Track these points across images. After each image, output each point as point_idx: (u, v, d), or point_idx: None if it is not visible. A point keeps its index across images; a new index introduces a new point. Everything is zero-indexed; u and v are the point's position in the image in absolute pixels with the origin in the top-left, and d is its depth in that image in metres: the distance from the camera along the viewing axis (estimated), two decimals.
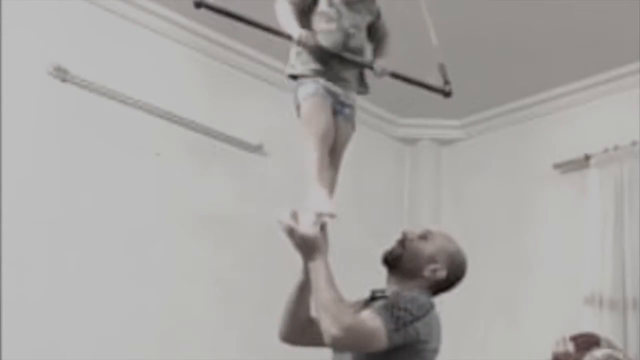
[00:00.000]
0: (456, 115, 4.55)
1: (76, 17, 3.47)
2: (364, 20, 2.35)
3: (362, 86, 2.40)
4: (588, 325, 3.44)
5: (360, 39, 2.33)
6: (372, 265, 4.38)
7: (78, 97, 3.40)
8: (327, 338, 2.07)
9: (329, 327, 2.07)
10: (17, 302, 3.09)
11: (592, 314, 3.58)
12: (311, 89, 2.25)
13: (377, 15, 2.39)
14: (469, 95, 4.30)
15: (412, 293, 2.24)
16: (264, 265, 3.90)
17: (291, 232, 2.24)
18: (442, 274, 2.30)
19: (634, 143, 3.73)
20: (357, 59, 2.30)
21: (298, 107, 2.29)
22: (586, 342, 2.78)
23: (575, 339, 2.81)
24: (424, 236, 2.36)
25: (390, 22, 2.49)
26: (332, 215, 2.25)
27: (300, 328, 2.39)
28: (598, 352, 2.67)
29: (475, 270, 4.29)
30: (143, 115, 3.58)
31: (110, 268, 3.39)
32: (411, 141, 4.71)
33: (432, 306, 2.21)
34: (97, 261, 3.36)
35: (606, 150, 3.81)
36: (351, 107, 2.33)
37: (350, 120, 2.33)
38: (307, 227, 2.22)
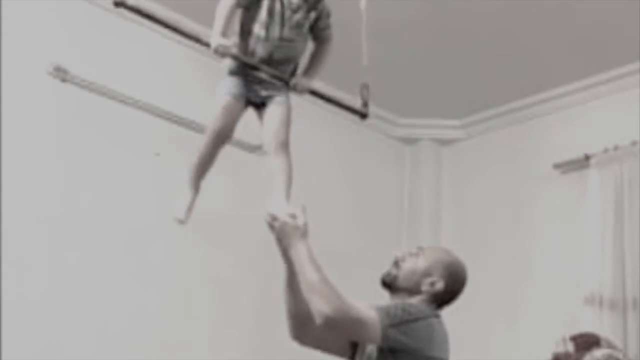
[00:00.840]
0: (456, 115, 4.55)
1: (76, 17, 3.48)
2: (303, 28, 2.39)
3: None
4: (588, 325, 3.44)
5: (290, 50, 2.39)
6: (372, 265, 4.38)
7: (78, 97, 3.40)
8: (318, 318, 2.10)
9: (320, 307, 2.13)
10: (17, 302, 3.09)
11: (592, 314, 3.58)
12: (228, 88, 2.40)
13: (321, 16, 2.42)
14: (469, 95, 4.32)
15: (412, 302, 2.26)
16: (263, 265, 3.89)
17: (273, 221, 2.38)
18: (440, 285, 2.32)
19: (634, 143, 3.73)
20: (272, 71, 2.37)
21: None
22: (586, 342, 2.78)
23: (575, 339, 2.81)
24: (416, 253, 2.39)
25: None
26: (181, 222, 2.51)
27: (304, 325, 2.41)
28: (598, 352, 2.67)
29: (475, 270, 4.29)
30: (143, 115, 3.58)
31: (110, 268, 3.39)
32: (411, 141, 4.71)
33: (434, 315, 2.24)
34: (97, 261, 3.36)
35: (606, 150, 3.81)
36: (282, 94, 2.42)
37: (285, 102, 2.43)
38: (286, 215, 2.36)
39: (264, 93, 2.42)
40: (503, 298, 4.16)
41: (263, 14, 2.34)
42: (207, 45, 2.34)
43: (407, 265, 2.37)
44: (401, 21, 3.65)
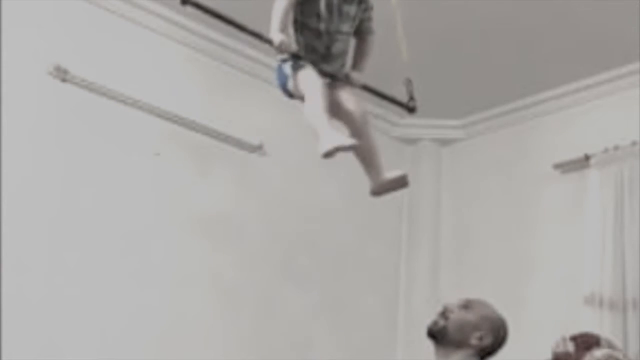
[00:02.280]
0: (456, 115, 4.56)
1: (76, 17, 3.48)
2: (355, 20, 2.43)
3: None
4: (588, 325, 3.44)
5: (344, 44, 2.43)
6: (372, 265, 4.40)
7: (78, 97, 3.40)
8: None
9: None
10: (17, 302, 3.09)
11: (592, 314, 3.58)
12: (295, 65, 2.37)
13: (367, 8, 2.47)
14: (469, 95, 4.32)
15: None
16: (263, 265, 3.90)
17: None
18: (488, 340, 2.34)
19: (634, 143, 3.73)
20: (332, 69, 2.40)
21: (284, 82, 2.41)
22: (586, 342, 2.78)
23: (575, 339, 2.80)
24: (465, 305, 2.40)
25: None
26: (352, 147, 2.28)
27: None
28: (598, 352, 2.67)
29: (475, 270, 4.32)
30: (143, 115, 3.58)
31: (110, 268, 3.39)
32: (411, 141, 4.71)
33: None
34: (97, 261, 3.36)
35: (606, 150, 3.81)
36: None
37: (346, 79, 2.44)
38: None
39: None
40: (503, 298, 4.14)
41: (321, 7, 2.36)
42: (269, 42, 2.31)
43: (456, 318, 2.36)
44: (401, 21, 3.65)
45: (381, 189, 2.46)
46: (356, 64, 2.51)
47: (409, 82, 2.54)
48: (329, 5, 2.36)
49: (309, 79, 2.34)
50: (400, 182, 2.44)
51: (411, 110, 2.56)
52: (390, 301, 4.42)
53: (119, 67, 3.57)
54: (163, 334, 3.49)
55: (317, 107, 2.28)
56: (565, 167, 4.02)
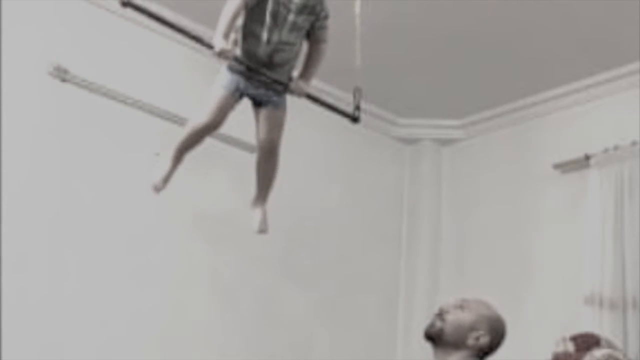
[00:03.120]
0: (456, 115, 4.55)
1: (76, 17, 3.48)
2: (302, 31, 2.42)
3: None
4: (588, 325, 3.44)
5: (289, 53, 2.43)
6: (372, 265, 4.40)
7: (78, 97, 3.41)
8: None
9: None
10: (17, 302, 3.10)
11: (592, 314, 3.58)
12: (225, 82, 2.46)
13: (319, 18, 2.44)
14: (469, 95, 4.32)
15: None
16: (263, 265, 3.90)
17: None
18: (485, 340, 2.34)
19: (634, 143, 3.73)
20: (273, 76, 2.41)
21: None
22: (586, 342, 2.78)
23: (575, 339, 2.81)
24: (461, 306, 2.39)
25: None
26: (157, 190, 2.59)
27: None
28: (598, 352, 2.67)
29: (475, 270, 4.32)
30: (143, 115, 3.58)
31: (110, 268, 3.39)
32: (411, 141, 4.71)
33: None
34: (97, 261, 3.36)
35: (606, 150, 3.81)
36: (279, 95, 2.48)
37: (281, 106, 2.50)
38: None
39: (261, 92, 2.47)
40: (503, 298, 4.14)
41: (266, 17, 2.35)
42: (209, 47, 2.35)
43: (453, 318, 2.36)
44: (401, 21, 3.65)
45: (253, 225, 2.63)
46: (305, 72, 2.50)
47: (358, 91, 2.52)
48: (274, 15, 2.35)
49: (206, 106, 2.48)
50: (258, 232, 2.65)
51: (355, 120, 2.57)
52: (390, 301, 4.42)
53: (119, 67, 3.57)
54: (163, 334, 3.49)
55: (177, 143, 2.53)
56: (565, 167, 4.02)
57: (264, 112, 2.50)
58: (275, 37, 2.37)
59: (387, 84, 4.18)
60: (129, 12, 3.60)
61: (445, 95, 4.33)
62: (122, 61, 3.59)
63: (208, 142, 3.79)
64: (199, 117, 2.49)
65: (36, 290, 3.18)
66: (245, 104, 3.99)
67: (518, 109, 4.33)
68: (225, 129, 3.80)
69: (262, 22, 2.36)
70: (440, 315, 2.39)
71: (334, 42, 2.51)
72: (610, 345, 2.82)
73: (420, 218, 4.59)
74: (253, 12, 2.37)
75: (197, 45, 3.79)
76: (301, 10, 2.37)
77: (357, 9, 2.52)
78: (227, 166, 3.87)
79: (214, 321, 3.68)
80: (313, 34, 2.45)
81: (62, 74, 3.36)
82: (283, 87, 2.43)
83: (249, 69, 2.39)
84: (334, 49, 2.53)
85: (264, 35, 2.36)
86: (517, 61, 3.93)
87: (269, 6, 2.33)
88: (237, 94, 2.46)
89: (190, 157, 3.78)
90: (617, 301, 3.55)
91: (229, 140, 3.84)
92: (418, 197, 4.63)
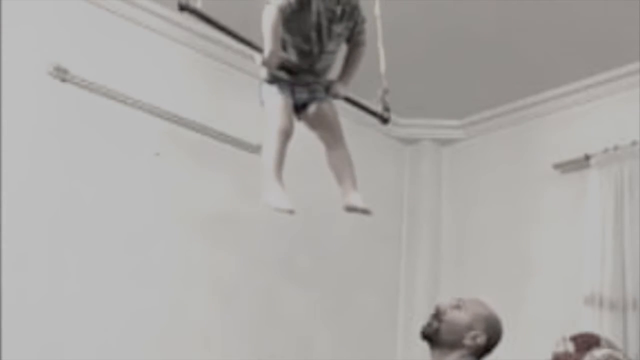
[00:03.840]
0: (456, 115, 4.55)
1: (76, 17, 3.48)
2: (341, 37, 2.40)
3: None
4: (588, 325, 3.44)
5: (329, 60, 2.43)
6: (372, 265, 4.40)
7: (78, 97, 3.40)
8: None
9: None
10: (17, 302, 3.09)
11: (592, 314, 3.58)
12: (273, 90, 2.40)
13: (357, 23, 2.43)
14: (469, 95, 4.32)
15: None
16: (264, 265, 3.90)
17: None
18: (482, 339, 2.34)
19: (634, 143, 3.73)
20: (315, 79, 2.40)
21: (262, 103, 2.45)
22: (586, 342, 2.78)
23: (575, 339, 2.81)
24: (458, 305, 2.39)
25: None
26: (290, 212, 2.38)
27: None
28: (598, 352, 2.67)
29: (475, 270, 4.32)
30: (143, 115, 3.58)
31: (110, 268, 3.39)
32: (411, 141, 4.71)
33: None
34: (97, 261, 3.36)
35: (606, 150, 3.81)
36: (321, 93, 2.45)
37: (327, 100, 2.45)
38: None
39: (304, 95, 2.44)
40: (503, 298, 4.14)
41: (310, 30, 2.32)
42: (260, 50, 2.30)
43: (449, 318, 2.36)
44: (401, 21, 3.65)
45: (347, 209, 2.52)
46: (343, 75, 2.49)
47: (385, 92, 2.53)
48: (318, 27, 2.32)
49: (273, 116, 2.37)
50: (362, 212, 2.49)
51: (385, 121, 2.57)
52: (390, 301, 4.42)
53: (119, 67, 3.57)
54: (163, 334, 3.49)
55: (269, 159, 2.40)
56: (565, 167, 4.02)
57: (311, 110, 2.46)
58: (317, 49, 2.36)
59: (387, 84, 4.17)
60: (129, 12, 3.63)
61: (445, 95, 4.33)
62: (122, 61, 3.59)
63: (208, 142, 3.82)
64: (273, 125, 2.39)
65: (36, 290, 3.18)
66: (245, 105, 4.00)
67: (518, 109, 4.33)
68: (226, 129, 3.83)
69: (303, 34, 2.33)
70: (437, 315, 2.39)
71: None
72: (610, 345, 2.82)
73: (420, 218, 4.59)
74: (292, 23, 2.32)
75: (198, 45, 3.84)
76: (341, 18, 2.35)
77: (377, 10, 2.50)
78: (227, 166, 3.87)
79: (214, 321, 3.68)
80: (352, 38, 2.44)
81: (62, 74, 3.35)
82: (324, 90, 2.43)
83: (290, 72, 2.36)
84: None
85: (308, 48, 2.34)
86: (517, 61, 3.93)
87: (312, 19, 2.29)
88: (290, 99, 2.43)
89: (190, 157, 3.79)
90: (617, 301, 3.55)
91: (229, 140, 3.85)
92: (418, 197, 4.63)
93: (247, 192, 3.91)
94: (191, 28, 3.76)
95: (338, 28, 2.36)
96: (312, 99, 2.44)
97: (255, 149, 3.94)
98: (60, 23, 3.43)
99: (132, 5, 3.62)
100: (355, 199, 2.46)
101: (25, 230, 3.19)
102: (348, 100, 2.54)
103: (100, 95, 3.46)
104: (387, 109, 2.56)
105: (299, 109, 2.46)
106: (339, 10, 2.31)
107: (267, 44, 2.27)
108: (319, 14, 2.29)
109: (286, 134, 2.38)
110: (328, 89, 2.44)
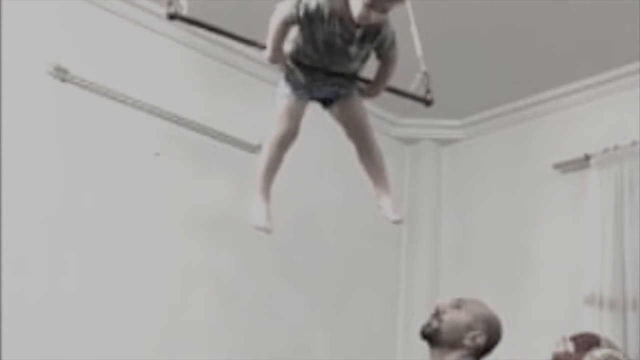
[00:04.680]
0: (456, 115, 4.55)
1: (76, 17, 3.48)
2: (365, 57, 2.25)
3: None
4: (588, 325, 3.44)
5: (347, 68, 2.24)
6: (372, 265, 4.40)
7: (78, 97, 3.40)
8: None
9: None
10: (17, 302, 3.10)
11: (592, 314, 3.58)
12: (286, 91, 2.26)
13: (387, 39, 2.25)
14: (469, 95, 4.32)
15: None
16: (264, 265, 3.90)
17: None
18: (482, 339, 2.34)
19: (634, 143, 3.73)
20: (337, 71, 2.24)
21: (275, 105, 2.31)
22: (586, 342, 2.78)
23: (575, 339, 2.80)
24: (457, 305, 2.39)
25: None
26: (267, 231, 2.25)
27: None
28: (598, 352, 2.67)
29: (475, 270, 4.32)
30: (143, 115, 3.58)
31: (110, 268, 3.39)
32: (411, 141, 4.71)
33: None
34: (97, 261, 3.36)
35: (606, 150, 3.81)
36: (347, 87, 2.29)
37: (352, 94, 2.31)
38: None
39: (326, 89, 2.27)
40: (503, 298, 4.15)
41: (318, 44, 2.14)
42: (264, 48, 2.20)
43: (449, 318, 2.36)
44: (401, 21, 3.65)
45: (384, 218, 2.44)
46: (372, 86, 2.35)
47: (426, 75, 2.46)
48: (329, 44, 2.14)
49: (275, 121, 2.26)
50: (394, 222, 2.45)
51: (428, 103, 2.50)
52: (390, 301, 4.42)
53: (119, 67, 3.57)
54: (163, 334, 3.49)
55: (259, 169, 2.29)
56: (565, 167, 4.02)
57: (336, 108, 2.32)
58: (327, 61, 2.19)
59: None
60: (128, 12, 3.64)
61: (445, 95, 4.32)
62: (122, 61, 3.59)
63: (208, 142, 3.82)
64: (273, 131, 2.29)
65: (36, 290, 3.18)
66: (245, 105, 4.00)
67: (518, 109, 4.33)
68: (226, 129, 3.83)
69: (314, 46, 2.16)
70: (437, 314, 2.39)
71: None
72: (610, 345, 2.82)
73: (420, 218, 4.59)
74: (303, 30, 2.15)
75: (198, 45, 3.84)
76: (361, 41, 2.17)
77: None
78: (227, 166, 3.87)
79: (214, 321, 3.68)
80: (383, 55, 2.28)
81: (62, 74, 3.35)
82: (356, 80, 2.29)
83: (307, 68, 2.21)
84: None
85: (316, 57, 2.17)
86: (517, 61, 3.93)
87: (322, 36, 2.13)
88: (303, 100, 2.27)
89: (190, 157, 3.79)
90: (617, 301, 3.55)
91: (229, 140, 3.85)
92: (418, 197, 4.63)
93: (247, 192, 3.88)
94: (191, 28, 3.75)
95: (356, 49, 2.19)
96: (337, 96, 2.29)
97: (255, 149, 3.94)
98: (60, 23, 3.43)
99: (132, 5, 3.62)
100: (387, 208, 2.41)
101: (25, 230, 3.19)
102: (387, 88, 2.44)
103: (100, 95, 3.46)
104: (428, 90, 2.49)
105: (326, 103, 2.33)
106: (358, 33, 2.15)
107: (268, 49, 2.18)
108: (332, 34, 2.12)
109: (284, 141, 2.28)
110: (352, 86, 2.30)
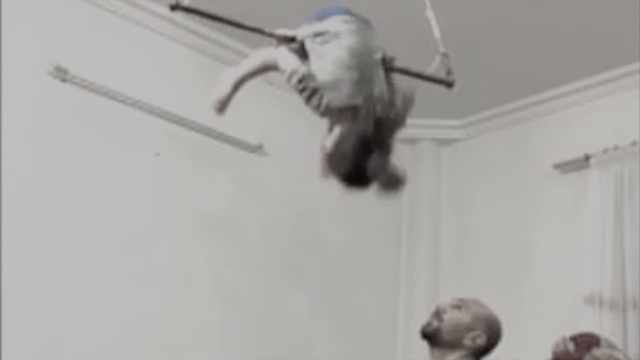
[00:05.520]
0: (456, 115, 4.55)
1: (76, 17, 3.48)
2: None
3: None
4: (588, 325, 3.44)
5: None
6: (372, 265, 4.40)
7: (78, 97, 3.40)
8: None
9: None
10: (18, 301, 3.10)
11: (592, 314, 3.58)
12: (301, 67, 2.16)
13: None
14: (469, 95, 4.30)
15: None
16: (264, 265, 3.90)
17: None
18: (482, 340, 2.35)
19: (634, 143, 3.73)
20: None
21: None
22: (586, 342, 2.78)
23: (575, 339, 2.80)
24: (458, 305, 2.39)
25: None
26: (218, 109, 2.26)
27: None
28: (598, 352, 2.67)
29: (475, 270, 4.32)
30: (143, 115, 3.58)
31: (110, 268, 3.39)
32: (411, 141, 4.70)
33: None
34: (97, 261, 3.36)
35: (606, 150, 3.81)
36: None
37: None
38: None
39: None
40: (503, 298, 4.14)
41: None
42: (271, 35, 2.19)
43: (450, 318, 2.36)
44: (401, 21, 3.65)
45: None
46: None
47: (445, 57, 2.41)
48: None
49: (279, 62, 2.16)
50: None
51: (450, 85, 2.44)
52: (390, 301, 4.42)
53: (119, 67, 3.57)
54: (163, 334, 3.49)
55: (241, 71, 2.24)
56: (565, 167, 4.02)
57: None
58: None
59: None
60: (128, 12, 3.63)
61: (445, 95, 4.31)
62: (122, 61, 3.59)
63: (208, 142, 3.82)
64: (271, 60, 2.21)
65: (36, 290, 3.18)
66: (245, 105, 4.00)
67: (518, 109, 4.33)
68: (226, 129, 3.83)
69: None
70: (437, 314, 2.39)
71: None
72: (610, 345, 2.82)
73: (420, 218, 4.59)
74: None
75: (198, 45, 3.84)
76: None
77: None
78: (227, 166, 3.87)
79: (214, 321, 3.68)
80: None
81: (62, 74, 3.35)
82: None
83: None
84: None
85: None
86: (517, 61, 3.93)
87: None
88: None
89: (190, 157, 3.79)
90: (617, 301, 3.55)
91: (229, 140, 3.85)
92: (418, 197, 4.63)
93: (247, 191, 3.91)
94: (191, 28, 3.76)
95: None
96: None
97: (255, 149, 3.95)
98: (60, 23, 3.43)
99: (132, 5, 3.62)
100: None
101: (25, 230, 3.19)
102: (408, 72, 2.40)
103: (100, 95, 3.46)
104: (449, 72, 2.43)
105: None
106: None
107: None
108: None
109: (268, 67, 2.21)
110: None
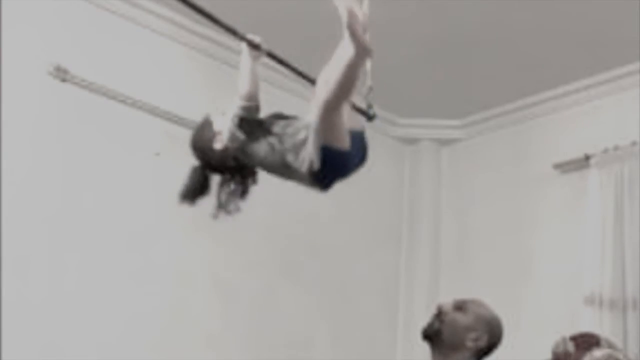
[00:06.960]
0: (456, 115, 4.56)
1: (76, 17, 3.48)
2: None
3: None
4: (588, 325, 3.44)
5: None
6: (372, 265, 4.40)
7: (78, 97, 3.40)
8: None
9: None
10: (18, 302, 3.09)
11: (592, 314, 3.58)
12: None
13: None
14: (469, 95, 4.32)
15: None
16: (264, 265, 3.90)
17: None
18: (483, 341, 2.35)
19: (634, 143, 3.73)
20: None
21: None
22: (586, 342, 2.78)
23: (575, 339, 2.81)
24: (459, 306, 2.39)
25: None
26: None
27: None
28: (598, 352, 2.67)
29: (475, 270, 4.32)
30: (143, 115, 3.58)
31: (110, 268, 3.39)
32: (411, 141, 4.71)
33: None
34: (97, 261, 3.36)
35: (606, 150, 3.81)
36: None
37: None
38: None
39: None
40: (503, 298, 4.14)
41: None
42: (244, 39, 2.36)
43: (451, 319, 2.36)
44: (401, 21, 3.65)
45: None
46: None
47: (370, 90, 2.45)
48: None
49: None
50: None
51: (370, 118, 2.49)
52: (390, 301, 4.42)
53: (119, 67, 3.57)
54: (163, 334, 3.49)
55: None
56: (565, 167, 4.02)
57: None
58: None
59: (386, 84, 4.16)
60: (129, 12, 3.63)
61: (445, 95, 4.33)
62: (122, 61, 3.59)
63: None
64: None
65: (36, 291, 3.18)
66: None
67: (518, 109, 4.34)
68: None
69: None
70: (439, 315, 2.39)
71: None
72: (610, 345, 2.82)
73: (420, 218, 4.59)
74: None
75: (198, 46, 3.84)
76: None
77: (365, 8, 2.41)
78: None
79: (214, 321, 3.68)
80: None
81: (62, 74, 3.35)
82: None
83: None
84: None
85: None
86: (517, 61, 3.93)
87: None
88: None
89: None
90: (617, 301, 3.55)
91: None
92: (418, 197, 4.63)
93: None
94: (191, 28, 3.76)
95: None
96: None
97: None
98: (60, 23, 3.43)
99: (132, 5, 3.62)
100: None
101: (25, 230, 3.19)
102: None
103: (100, 95, 3.46)
104: (370, 106, 2.48)
105: None
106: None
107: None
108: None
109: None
110: None
